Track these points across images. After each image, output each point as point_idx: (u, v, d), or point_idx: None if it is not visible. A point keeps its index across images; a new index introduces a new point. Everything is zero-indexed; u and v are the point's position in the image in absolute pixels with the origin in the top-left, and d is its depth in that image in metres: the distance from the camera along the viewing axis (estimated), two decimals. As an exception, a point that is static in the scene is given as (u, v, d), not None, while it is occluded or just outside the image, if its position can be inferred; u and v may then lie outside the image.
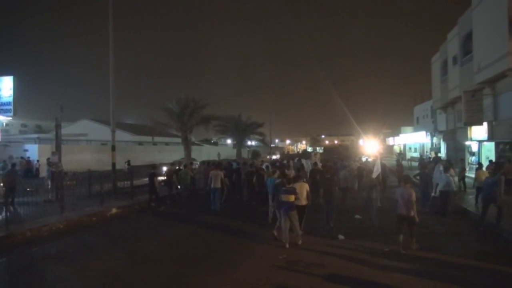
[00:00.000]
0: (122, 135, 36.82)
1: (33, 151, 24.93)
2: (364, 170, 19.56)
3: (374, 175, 12.14)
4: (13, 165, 14.31)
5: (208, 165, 17.70)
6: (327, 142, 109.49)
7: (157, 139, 42.39)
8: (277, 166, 15.75)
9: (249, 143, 49.16)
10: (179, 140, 28.14)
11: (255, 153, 50.26)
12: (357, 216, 11.29)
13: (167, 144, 43.45)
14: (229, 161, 21.94)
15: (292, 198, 8.43)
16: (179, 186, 15.46)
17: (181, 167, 16.80)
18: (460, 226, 10.28)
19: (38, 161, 23.08)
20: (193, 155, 26.79)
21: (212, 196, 13.25)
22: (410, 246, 7.81)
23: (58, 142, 15.76)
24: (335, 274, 6.41)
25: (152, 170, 14.12)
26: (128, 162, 20.09)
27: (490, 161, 16.52)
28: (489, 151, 19.54)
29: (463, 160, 20.61)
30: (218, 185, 13.16)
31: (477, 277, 6.33)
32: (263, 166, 15.69)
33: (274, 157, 44.39)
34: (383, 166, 19.97)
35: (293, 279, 6.28)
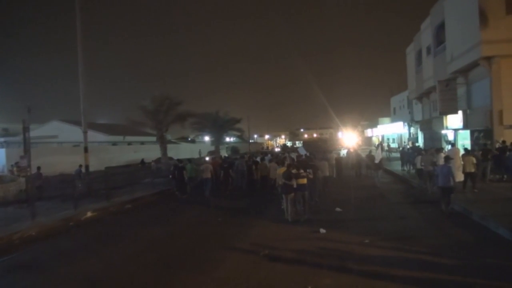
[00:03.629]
0: (95, 136, 35.47)
1: (0, 156, 23.67)
2: (342, 160, 20.49)
3: (377, 160, 16.87)
4: (38, 168, 16.00)
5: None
6: (306, 136, 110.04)
7: (132, 138, 41.26)
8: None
9: (227, 139, 48.76)
10: (154, 139, 27.46)
11: (234, 150, 49.93)
12: (338, 209, 11.26)
13: (142, 143, 42.34)
14: (225, 156, 25.42)
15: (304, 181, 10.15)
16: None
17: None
18: (438, 215, 10.22)
19: (12, 165, 21.95)
20: (170, 154, 26.15)
21: (204, 185, 15.51)
22: (448, 208, 9.70)
23: (27, 145, 14.95)
24: (316, 269, 6.29)
25: (181, 164, 16.41)
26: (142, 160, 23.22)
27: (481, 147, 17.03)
28: (464, 139, 19.96)
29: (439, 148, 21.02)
30: (208, 175, 15.46)
31: (456, 265, 6.29)
32: (257, 159, 18.48)
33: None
34: (359, 156, 20.79)
35: (274, 276, 6.11)
